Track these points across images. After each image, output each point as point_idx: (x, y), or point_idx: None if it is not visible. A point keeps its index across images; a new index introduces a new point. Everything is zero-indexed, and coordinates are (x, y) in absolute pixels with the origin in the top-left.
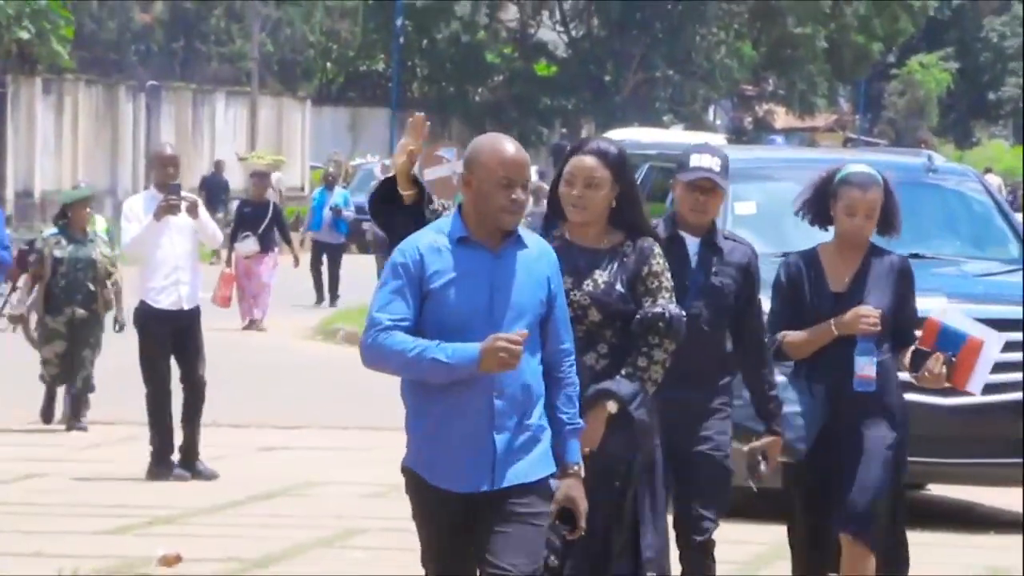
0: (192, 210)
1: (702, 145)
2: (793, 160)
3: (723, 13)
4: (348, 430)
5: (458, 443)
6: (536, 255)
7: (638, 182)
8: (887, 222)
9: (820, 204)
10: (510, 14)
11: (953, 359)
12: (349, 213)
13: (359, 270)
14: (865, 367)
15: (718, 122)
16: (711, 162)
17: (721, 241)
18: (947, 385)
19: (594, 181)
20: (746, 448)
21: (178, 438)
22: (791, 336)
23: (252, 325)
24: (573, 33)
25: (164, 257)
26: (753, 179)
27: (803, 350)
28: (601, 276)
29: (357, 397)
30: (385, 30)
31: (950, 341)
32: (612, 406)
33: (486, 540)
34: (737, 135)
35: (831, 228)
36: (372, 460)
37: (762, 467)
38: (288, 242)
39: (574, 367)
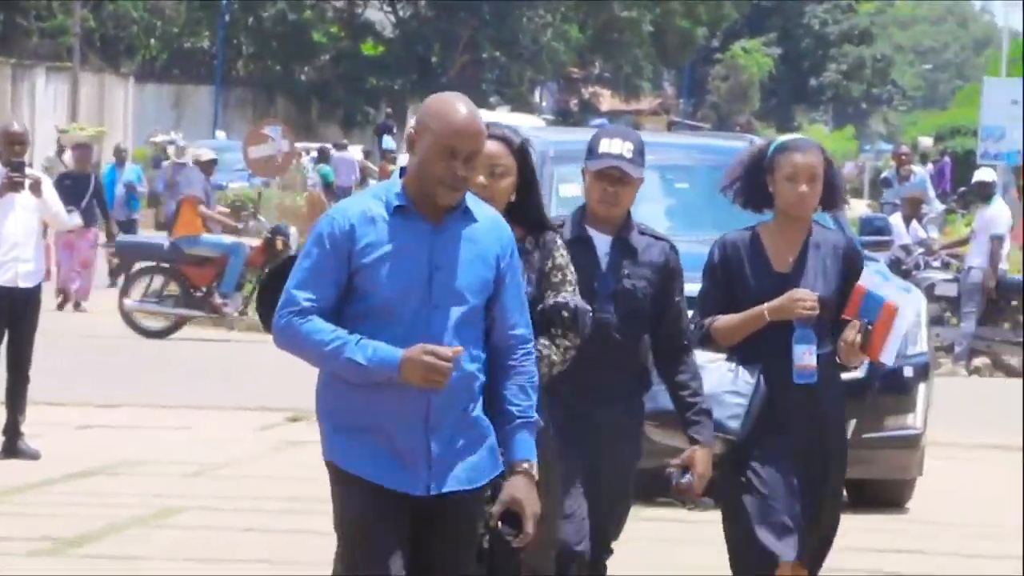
0: (35, 188)
1: (613, 128)
2: None
3: None
4: (167, 408)
5: (389, 439)
6: (485, 229)
7: None
8: (830, 196)
9: (754, 182)
10: None
11: (870, 327)
12: (143, 189)
13: None
14: (804, 356)
15: (544, 104)
16: (622, 147)
17: (635, 238)
18: (863, 358)
19: (498, 169)
20: (670, 465)
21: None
22: (721, 321)
23: (69, 300)
24: (400, 13)
25: (5, 234)
26: (578, 161)
27: (733, 336)
28: None
29: (177, 375)
30: (210, 7)
31: (870, 308)
32: None
33: (421, 552)
34: (563, 117)
35: (768, 212)
36: (190, 439)
37: (685, 479)
38: (106, 216)
39: (531, 357)
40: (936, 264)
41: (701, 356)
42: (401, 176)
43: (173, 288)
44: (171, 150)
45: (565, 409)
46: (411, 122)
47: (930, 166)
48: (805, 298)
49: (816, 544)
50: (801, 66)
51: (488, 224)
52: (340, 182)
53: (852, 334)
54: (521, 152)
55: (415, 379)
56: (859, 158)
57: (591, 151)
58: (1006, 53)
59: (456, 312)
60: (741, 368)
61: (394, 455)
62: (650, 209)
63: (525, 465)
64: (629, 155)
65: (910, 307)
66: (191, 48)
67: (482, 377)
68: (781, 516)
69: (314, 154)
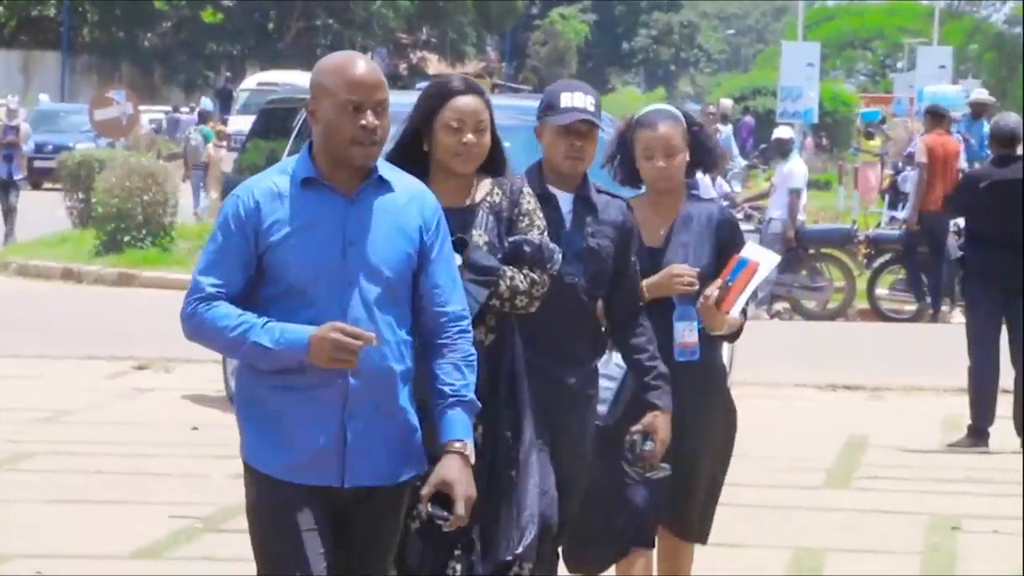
0: None
1: (570, 82)
2: None
3: None
4: (20, 358)
5: (304, 430)
6: (405, 200)
7: (297, 125)
8: (701, 160)
9: (625, 158)
10: None
11: (729, 284)
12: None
13: (33, 207)
14: (685, 333)
15: None
16: (585, 101)
17: (595, 196)
18: (721, 316)
19: (482, 124)
20: (631, 432)
21: None
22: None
23: None
24: None
25: None
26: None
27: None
28: (480, 237)
29: (29, 326)
30: None
31: (737, 270)
32: (456, 259)
33: (340, 550)
34: (393, 80)
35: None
36: (43, 387)
37: (647, 446)
38: None
39: (467, 336)
40: (739, 216)
41: None
42: (310, 151)
43: None
44: (1, 112)
45: (537, 374)
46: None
47: (730, 126)
48: (683, 273)
49: (698, 509)
50: (614, 31)
51: (407, 194)
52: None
53: (712, 289)
54: (489, 102)
55: (322, 359)
56: None
57: (551, 107)
58: (802, 19)
59: (374, 290)
60: (615, 351)
61: (308, 446)
62: None
63: (458, 445)
64: (592, 108)
65: (766, 265)
66: (38, 16)
67: (408, 363)
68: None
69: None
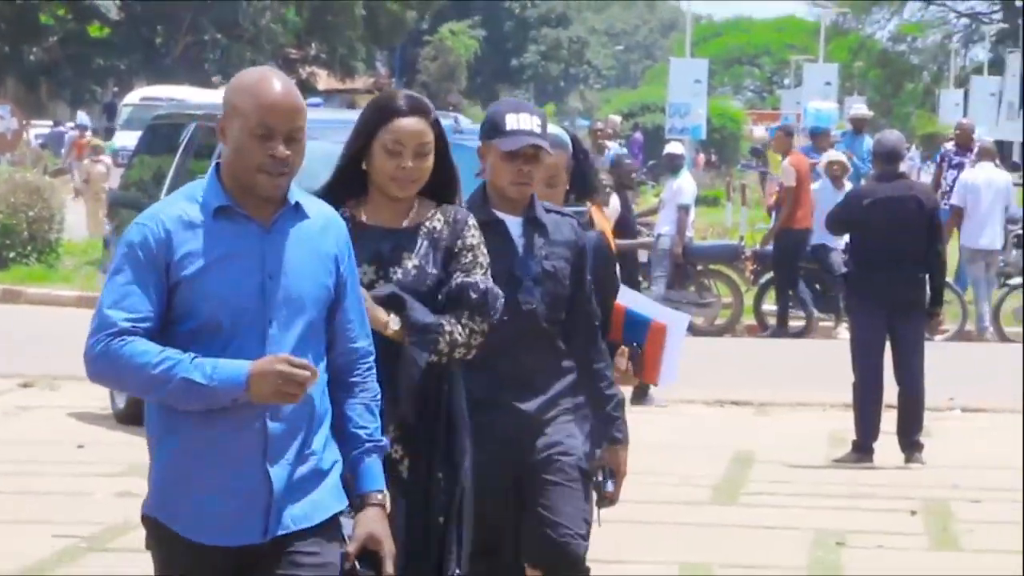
0: None
1: (516, 102)
2: (329, 121)
3: None
4: None
5: (220, 481)
6: (320, 227)
7: (184, 141)
8: (578, 188)
9: None
10: None
11: (640, 350)
12: None
13: None
14: None
15: None
16: (531, 123)
17: (544, 216)
18: (636, 381)
19: (425, 148)
20: (595, 473)
21: None
22: None
23: None
24: None
25: None
26: None
27: None
28: (410, 260)
29: None
30: None
31: (637, 329)
32: (395, 321)
33: None
34: None
35: None
36: None
37: (608, 487)
38: None
39: (373, 372)
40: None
41: None
42: (217, 174)
43: None
44: None
45: (501, 408)
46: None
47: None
48: None
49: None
50: (504, 47)
51: (322, 221)
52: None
53: (623, 362)
54: (438, 122)
55: (266, 392)
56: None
57: (495, 128)
58: (690, 35)
59: (296, 325)
60: None
61: (228, 499)
62: None
63: (379, 496)
64: (539, 130)
65: (679, 323)
66: None
67: (327, 403)
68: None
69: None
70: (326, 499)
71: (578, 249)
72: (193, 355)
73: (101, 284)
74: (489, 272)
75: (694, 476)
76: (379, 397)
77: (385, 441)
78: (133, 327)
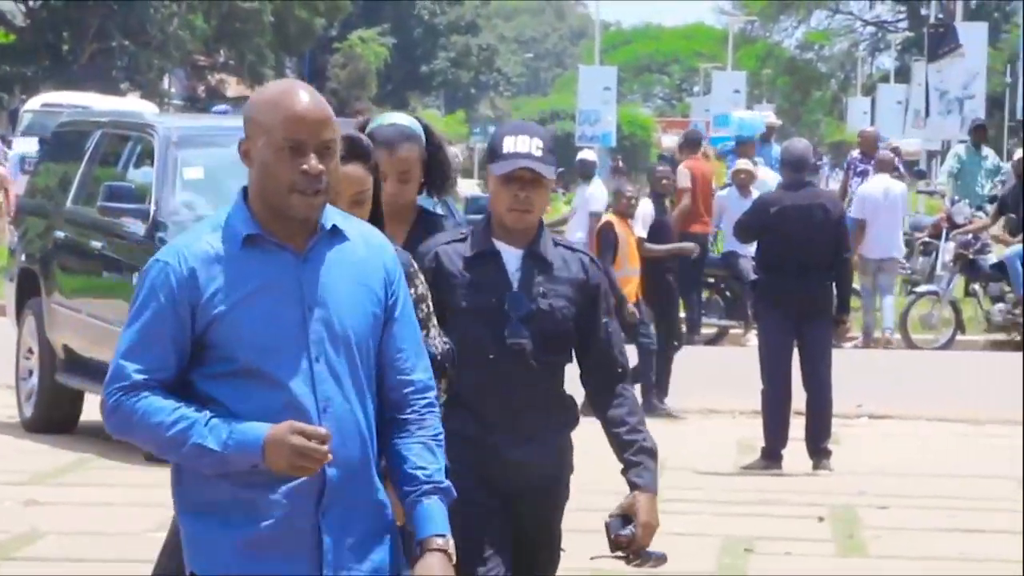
0: None
1: (518, 124)
2: (238, 128)
3: None
4: None
5: (269, 528)
6: (363, 251)
7: (90, 149)
8: (433, 181)
9: None
10: None
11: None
12: None
13: None
14: None
15: (173, 90)
16: (530, 145)
17: (549, 251)
18: None
19: (362, 197)
20: (609, 515)
21: None
22: None
23: None
24: (30, 3)
25: None
26: (201, 145)
27: None
28: None
29: None
30: None
31: None
32: None
33: None
34: (191, 103)
35: None
36: None
37: (626, 530)
38: None
39: (434, 412)
40: None
41: None
42: (244, 197)
43: None
44: None
45: (489, 453)
46: None
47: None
48: None
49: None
50: (414, 54)
51: (365, 244)
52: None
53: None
54: (375, 169)
55: (280, 465)
56: (470, 140)
57: (493, 152)
58: (599, 43)
59: (342, 361)
60: None
61: (275, 547)
62: None
63: (440, 541)
64: (539, 152)
65: None
66: None
67: (374, 441)
68: None
69: None
70: (388, 559)
71: (589, 287)
72: (209, 416)
73: (5, 292)
74: (437, 325)
75: (601, 482)
76: (440, 436)
77: (448, 483)
78: (147, 380)
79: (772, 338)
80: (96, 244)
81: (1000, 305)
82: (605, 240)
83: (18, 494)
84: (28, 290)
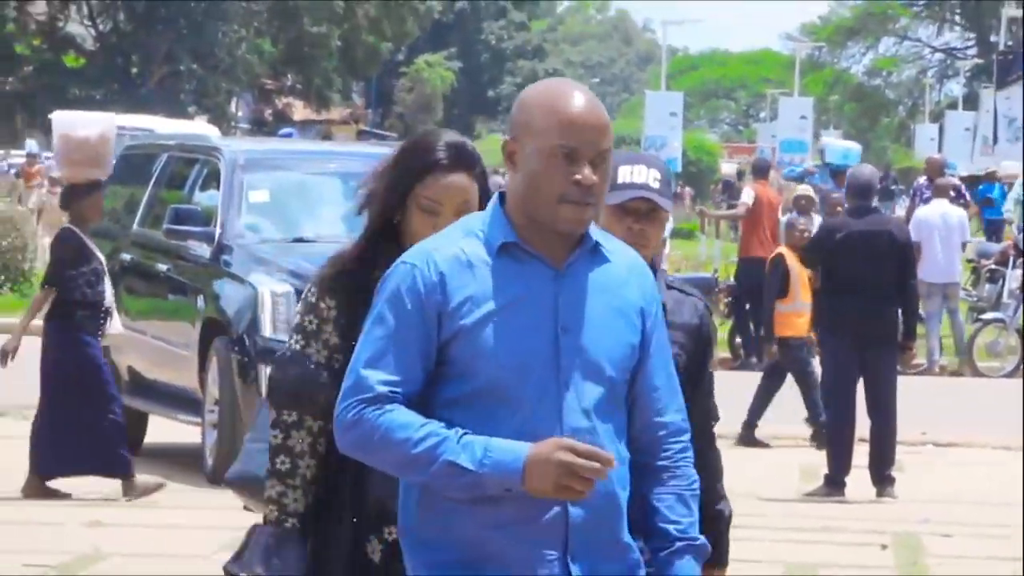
0: None
1: (632, 155)
2: (303, 152)
3: (243, 11)
4: None
5: None
6: (623, 274)
7: (157, 172)
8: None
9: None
10: (39, 8)
11: None
12: None
13: None
14: None
15: (240, 114)
16: (647, 175)
17: (664, 293)
18: None
19: (467, 207)
20: None
21: None
22: None
23: None
24: (100, 27)
25: None
26: (267, 169)
27: None
28: None
29: None
30: None
31: None
32: None
33: None
34: (258, 126)
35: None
36: None
37: None
38: None
39: (688, 458)
40: None
41: None
42: (500, 203)
43: None
44: None
45: None
46: None
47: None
48: None
49: None
50: (480, 79)
51: (626, 266)
52: None
53: None
54: (481, 176)
55: (546, 486)
56: None
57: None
58: (665, 68)
59: (594, 391)
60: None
61: None
62: (332, 213)
63: None
64: (657, 184)
65: None
66: None
67: (628, 487)
68: None
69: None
70: None
71: (701, 335)
72: (463, 432)
73: None
74: None
75: None
76: (696, 485)
77: (703, 539)
78: (391, 392)
79: (837, 365)
80: (162, 267)
81: None
82: (775, 271)
83: (83, 515)
84: None
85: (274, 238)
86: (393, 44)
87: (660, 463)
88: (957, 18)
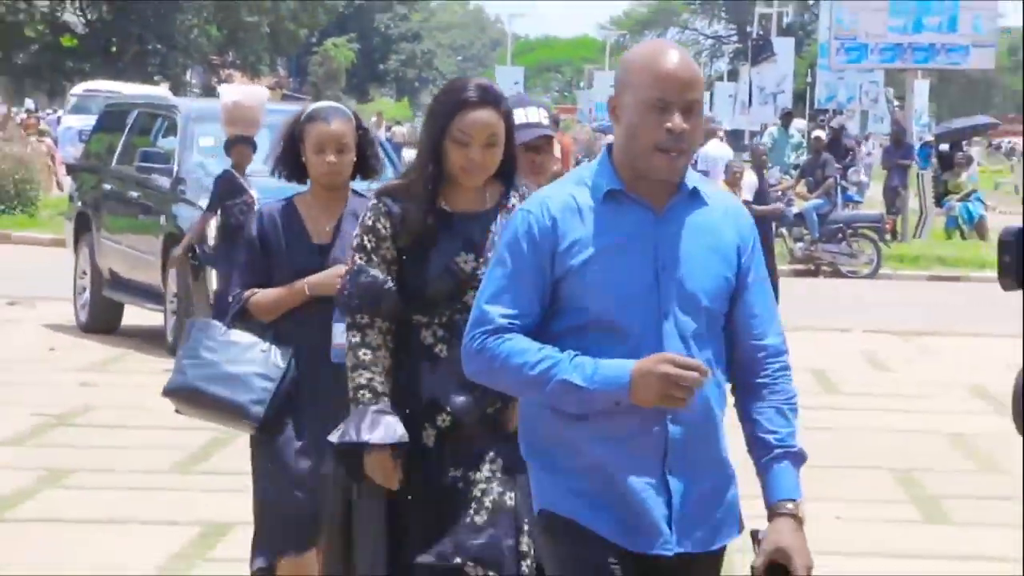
0: None
1: (520, 97)
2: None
3: (196, 6)
4: None
5: (617, 485)
6: (720, 215)
7: (130, 123)
8: (366, 164)
9: (291, 154)
10: (43, 2)
11: None
12: None
13: None
14: (341, 335)
15: (193, 82)
16: (538, 115)
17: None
18: None
19: (494, 139)
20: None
21: None
22: (259, 295)
23: None
24: (89, 16)
25: None
26: (212, 121)
27: (271, 311)
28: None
29: None
30: None
31: None
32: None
33: None
34: (207, 92)
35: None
36: None
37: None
38: None
39: (787, 376)
40: None
41: (237, 335)
42: (609, 156)
43: None
44: None
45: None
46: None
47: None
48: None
49: None
50: (373, 57)
51: (722, 209)
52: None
53: None
54: (508, 112)
55: (650, 396)
56: (414, 120)
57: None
58: (511, 50)
59: (691, 323)
60: (275, 348)
61: (624, 505)
62: (260, 155)
63: (790, 506)
64: (547, 121)
65: None
66: None
67: (723, 404)
68: (296, 507)
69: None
70: (724, 525)
71: None
72: (574, 354)
73: (65, 229)
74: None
75: None
76: (794, 399)
77: (800, 447)
78: (511, 324)
79: None
80: (133, 194)
81: (800, 243)
82: None
83: (76, 377)
84: (83, 227)
85: (217, 172)
86: (308, 30)
87: (760, 380)
88: (723, 13)
